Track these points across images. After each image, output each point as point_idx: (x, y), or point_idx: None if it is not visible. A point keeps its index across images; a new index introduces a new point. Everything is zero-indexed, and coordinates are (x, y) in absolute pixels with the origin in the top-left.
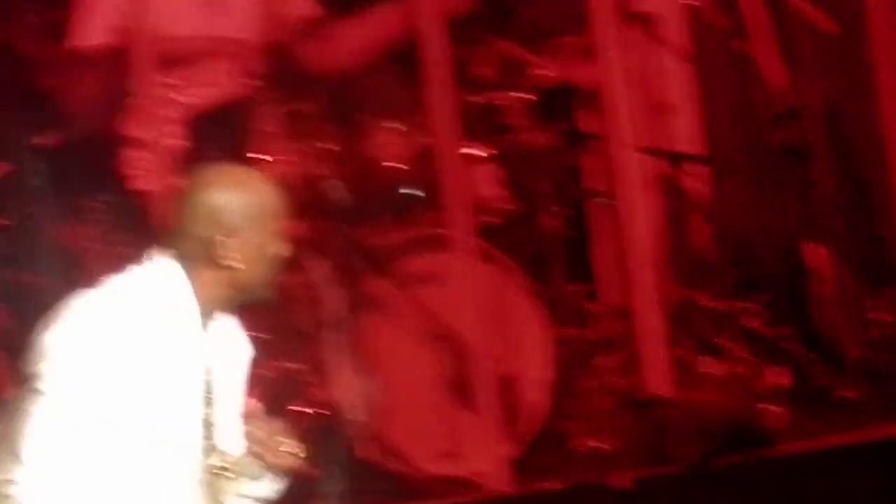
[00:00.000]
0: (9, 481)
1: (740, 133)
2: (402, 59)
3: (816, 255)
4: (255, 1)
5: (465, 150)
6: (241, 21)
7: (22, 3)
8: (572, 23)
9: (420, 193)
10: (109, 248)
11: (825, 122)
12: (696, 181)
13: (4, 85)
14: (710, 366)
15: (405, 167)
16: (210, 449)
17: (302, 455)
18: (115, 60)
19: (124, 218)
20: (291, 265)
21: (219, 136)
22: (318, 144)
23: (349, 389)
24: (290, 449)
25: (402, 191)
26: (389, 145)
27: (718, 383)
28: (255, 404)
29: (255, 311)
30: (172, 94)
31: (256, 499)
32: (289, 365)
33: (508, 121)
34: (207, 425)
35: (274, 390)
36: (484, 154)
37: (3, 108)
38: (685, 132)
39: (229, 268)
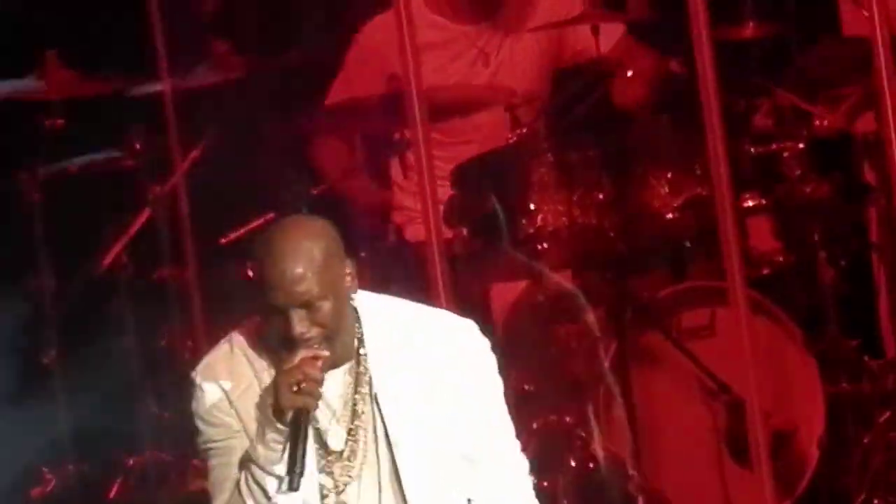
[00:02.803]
0: None
1: None
2: (675, 106)
3: None
4: (529, 51)
5: (739, 201)
6: (513, 70)
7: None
8: (851, 73)
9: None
10: None
11: None
12: None
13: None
14: None
15: (677, 217)
16: None
17: None
18: (386, 109)
19: (390, 269)
20: (563, 316)
21: (488, 186)
22: (589, 193)
23: (621, 443)
24: None
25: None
26: (661, 194)
27: None
28: None
29: (527, 363)
30: (442, 143)
31: None
32: (560, 418)
33: (784, 171)
34: None
35: (546, 443)
36: (759, 204)
37: (269, 158)
38: None
39: None
